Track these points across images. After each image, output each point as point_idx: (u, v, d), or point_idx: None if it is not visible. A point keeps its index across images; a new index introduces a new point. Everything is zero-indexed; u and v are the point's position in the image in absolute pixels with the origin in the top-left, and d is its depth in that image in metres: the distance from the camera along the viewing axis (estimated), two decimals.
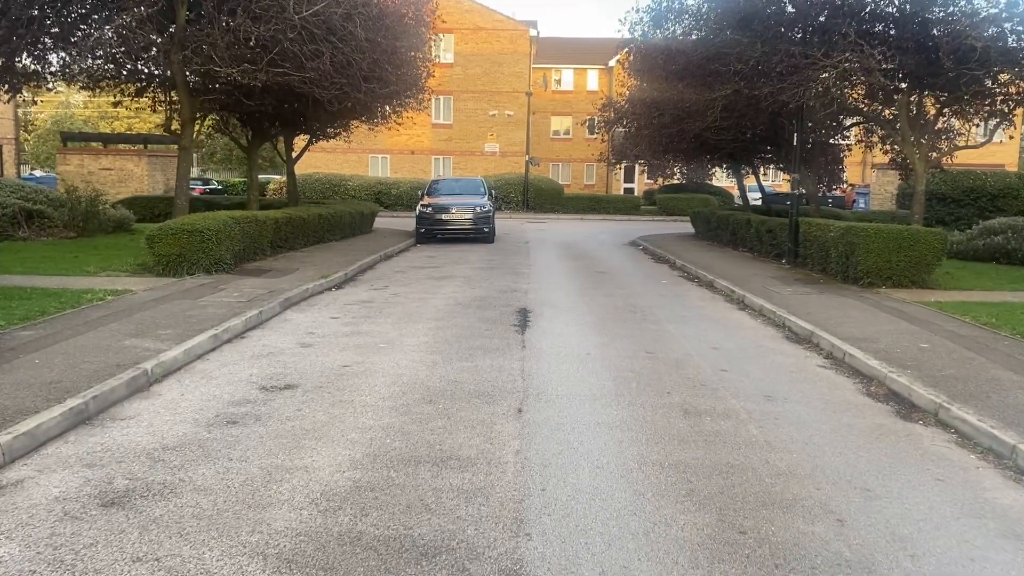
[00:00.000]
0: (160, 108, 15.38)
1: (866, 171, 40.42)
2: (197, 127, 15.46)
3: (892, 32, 12.24)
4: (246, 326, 8.15)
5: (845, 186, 22.05)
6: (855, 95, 14.74)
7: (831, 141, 18.11)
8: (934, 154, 13.86)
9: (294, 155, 23.29)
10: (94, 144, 28.45)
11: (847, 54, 11.48)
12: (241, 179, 41.60)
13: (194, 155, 63.16)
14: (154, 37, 12.69)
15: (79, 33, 11.67)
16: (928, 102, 13.71)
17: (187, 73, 13.19)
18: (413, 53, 17.44)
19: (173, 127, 14.83)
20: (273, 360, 6.89)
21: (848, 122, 17.26)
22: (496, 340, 7.82)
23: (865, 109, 14.15)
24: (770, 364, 7.14)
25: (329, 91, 13.27)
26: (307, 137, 22.45)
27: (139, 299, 9.10)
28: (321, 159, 37.25)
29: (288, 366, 6.68)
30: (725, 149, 18.30)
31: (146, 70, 14.31)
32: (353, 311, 9.43)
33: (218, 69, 11.77)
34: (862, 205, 30.50)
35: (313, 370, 6.54)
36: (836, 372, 6.92)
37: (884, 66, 11.20)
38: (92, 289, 9.58)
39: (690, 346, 7.77)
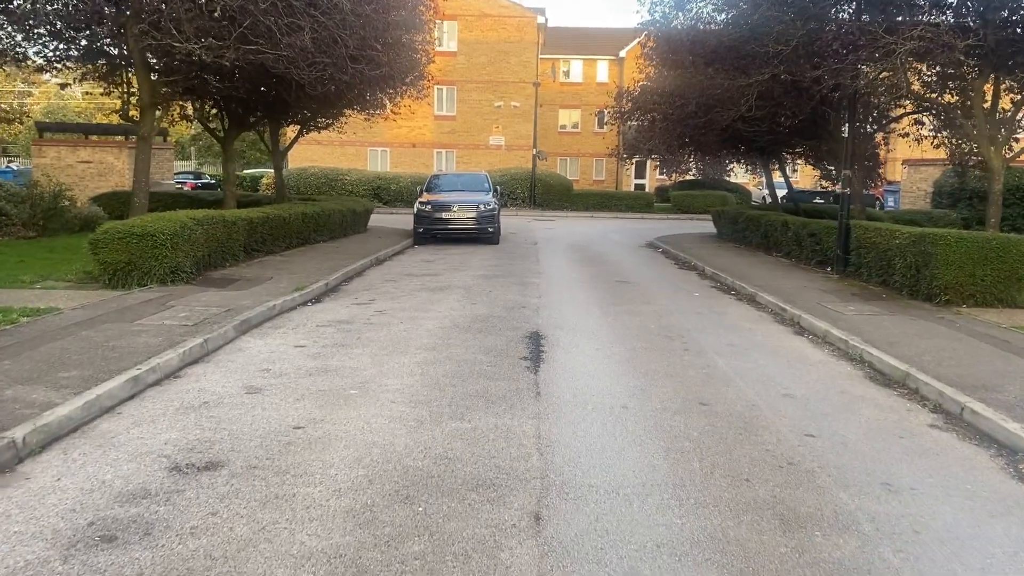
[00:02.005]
0: (116, 91, 13.61)
1: (888, 166, 38.46)
2: (159, 113, 13.71)
3: (971, 3, 10.43)
4: (183, 360, 6.41)
5: (882, 183, 20.25)
6: (917, 79, 12.90)
7: (878, 133, 16.29)
8: (1008, 150, 12.04)
9: (282, 147, 21.61)
10: (77, 135, 26.71)
11: (918, 30, 9.68)
12: (237, 173, 39.88)
13: (191, 148, 61.43)
14: (107, 9, 10.92)
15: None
16: (1003, 87, 11.88)
17: (146, 50, 11.39)
18: (409, 35, 15.65)
19: (131, 113, 13.11)
20: (204, 416, 5.15)
21: (896, 112, 15.43)
22: (502, 382, 6.07)
23: (929, 95, 12.32)
24: (867, 424, 5.36)
25: (310, 72, 11.48)
26: (297, 128, 20.72)
27: (60, 322, 7.37)
28: (317, 152, 35.52)
29: (221, 427, 4.93)
30: (757, 142, 16.47)
31: (97, 46, 12.49)
32: (326, 336, 7.68)
33: (176, 44, 10.01)
34: (891, 204, 28.60)
35: (252, 435, 4.79)
36: (959, 437, 5.15)
37: (964, 42, 9.41)
38: (9, 308, 7.86)
39: (753, 392, 6.01)
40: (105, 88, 13.87)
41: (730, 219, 18.93)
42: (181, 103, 15.28)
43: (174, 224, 9.85)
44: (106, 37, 11.92)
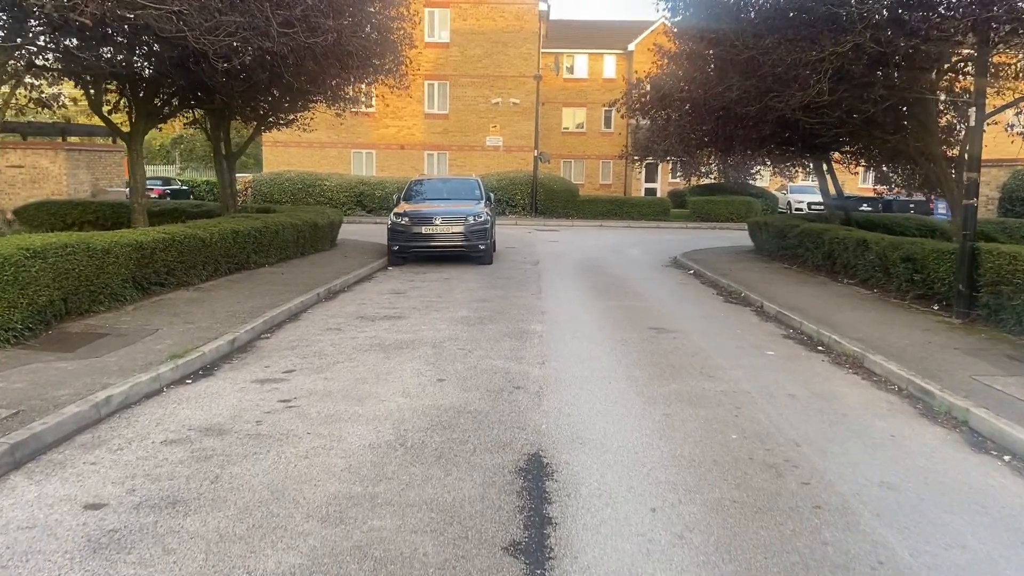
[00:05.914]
0: None
1: None
2: (5, 92, 10.31)
3: None
4: None
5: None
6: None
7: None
8: None
9: (241, 147, 18.23)
10: (9, 135, 23.36)
11: None
12: (205, 179, 36.53)
13: (175, 152, 57.78)
14: None
15: None
16: None
17: None
18: (374, 3, 12.30)
19: None
20: None
21: (998, 98, 12.02)
22: None
23: None
24: None
25: (217, 37, 8.12)
26: (254, 125, 17.38)
27: None
28: (296, 155, 32.21)
29: None
30: (821, 137, 13.02)
31: None
32: (161, 474, 4.28)
33: None
34: (942, 212, 25.08)
35: None
36: None
37: None
38: None
39: None
40: None
41: (776, 232, 15.48)
42: (32, 82, 11.82)
43: None
44: None
